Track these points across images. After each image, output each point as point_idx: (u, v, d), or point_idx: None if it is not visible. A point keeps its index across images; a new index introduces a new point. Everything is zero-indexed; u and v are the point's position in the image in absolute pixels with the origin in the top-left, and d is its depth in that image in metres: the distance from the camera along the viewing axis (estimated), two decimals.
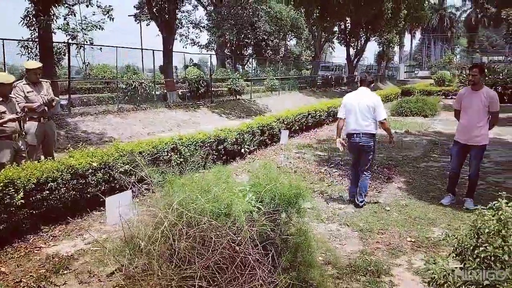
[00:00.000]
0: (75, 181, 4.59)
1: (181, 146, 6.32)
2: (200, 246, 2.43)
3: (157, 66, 23.18)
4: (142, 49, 16.37)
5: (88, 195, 4.81)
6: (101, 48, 15.06)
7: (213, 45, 39.17)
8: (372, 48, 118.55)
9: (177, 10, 16.57)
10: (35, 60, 10.29)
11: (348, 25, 32.45)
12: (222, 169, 3.20)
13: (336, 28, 33.35)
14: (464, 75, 27.04)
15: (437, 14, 73.24)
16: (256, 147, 8.56)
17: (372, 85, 5.40)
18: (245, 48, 39.55)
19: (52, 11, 10.78)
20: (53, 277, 3.40)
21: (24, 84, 5.22)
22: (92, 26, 21.38)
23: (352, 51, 34.01)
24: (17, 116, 4.78)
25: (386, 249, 3.80)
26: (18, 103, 5.03)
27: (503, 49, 77.85)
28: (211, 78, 17.82)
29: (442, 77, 31.60)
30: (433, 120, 14.28)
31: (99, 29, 21.45)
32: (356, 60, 34.46)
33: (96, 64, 22.56)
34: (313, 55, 40.26)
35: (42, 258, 3.74)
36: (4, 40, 9.77)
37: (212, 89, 17.43)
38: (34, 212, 4.19)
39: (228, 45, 36.00)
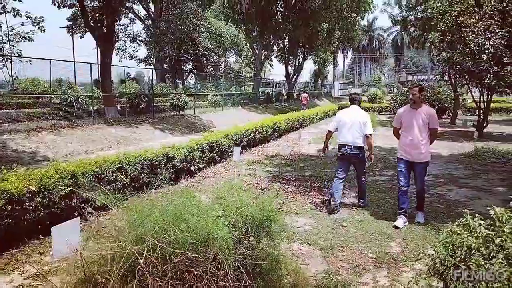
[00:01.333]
0: (10, 207, 4.08)
1: (128, 166, 5.95)
2: (177, 283, 2.19)
3: (94, 80, 22.00)
4: (77, 62, 15.47)
5: (25, 222, 4.30)
6: (30, 61, 14.05)
7: (151, 59, 38.39)
8: (307, 67, 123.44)
9: (115, 23, 15.93)
10: None
11: (287, 44, 33.48)
12: (187, 191, 2.99)
13: (275, 47, 34.26)
14: (394, 93, 28.98)
15: (367, 35, 78.20)
16: (205, 164, 8.34)
17: (360, 104, 5.95)
18: (184, 63, 39.19)
19: None
20: None
21: None
22: (20, 37, 19.99)
23: (290, 69, 35.05)
24: None
25: (349, 267, 3.78)
26: None
27: (425, 69, 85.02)
28: (152, 92, 17.28)
29: (374, 95, 33.60)
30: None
31: (29, 40, 20.11)
32: (294, 77, 35.52)
33: (24, 78, 21.02)
34: (253, 72, 40.97)
35: None
36: None
37: (154, 104, 16.89)
38: None
39: (167, 59, 35.43)
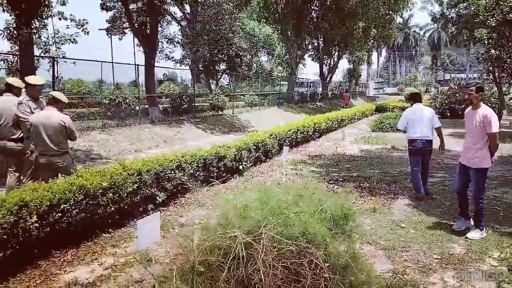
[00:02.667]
0: (85, 202, 4.36)
1: (185, 164, 6.18)
2: (287, 275, 2.28)
3: (130, 81, 22.63)
4: (122, 63, 16.02)
5: (97, 217, 4.58)
6: (74, 62, 14.65)
7: (187, 60, 39.14)
8: (340, 66, 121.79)
9: (158, 25, 16.41)
10: (16, 75, 9.90)
11: (321, 43, 33.28)
12: (265, 187, 3.12)
13: (310, 46, 34.11)
14: (434, 92, 28.12)
15: (402, 32, 76.41)
16: (252, 163, 8.50)
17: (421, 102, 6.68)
18: (218, 64, 39.66)
19: (33, 24, 10.42)
20: None
21: (28, 100, 4.98)
22: (65, 40, 20.87)
23: (325, 68, 34.82)
24: None
25: (415, 267, 3.81)
26: (25, 121, 4.80)
27: (463, 67, 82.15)
28: (194, 93, 17.68)
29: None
30: None
31: (73, 42, 20.92)
32: (329, 76, 35.26)
33: (67, 78, 21.95)
34: (286, 71, 40.95)
35: (61, 286, 3.50)
36: None
37: (195, 104, 17.29)
38: (45, 236, 3.94)
39: (201, 60, 35.97)
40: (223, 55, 36.19)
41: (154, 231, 3.36)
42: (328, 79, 35.42)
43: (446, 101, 23.01)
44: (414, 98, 6.73)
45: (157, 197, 5.61)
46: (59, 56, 18.02)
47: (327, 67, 34.70)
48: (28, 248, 3.78)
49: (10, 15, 10.14)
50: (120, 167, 5.09)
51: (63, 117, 4.74)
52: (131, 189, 4.96)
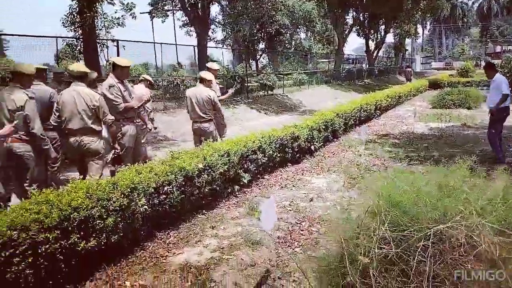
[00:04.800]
0: (185, 183, 4.30)
1: (265, 145, 6.03)
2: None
3: (173, 61, 22.79)
4: (180, 45, 16.00)
5: (193, 198, 4.53)
6: (124, 46, 14.72)
7: (228, 40, 38.93)
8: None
9: (210, 5, 16.22)
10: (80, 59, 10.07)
11: (367, 17, 31.93)
12: (402, 172, 2.86)
13: (351, 21, 32.81)
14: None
15: (449, 3, 72.10)
16: (321, 144, 8.25)
17: None
18: (257, 43, 39.14)
19: (95, 8, 10.50)
20: None
21: (117, 83, 4.94)
22: (114, 23, 21.15)
23: (371, 43, 33.53)
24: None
25: None
26: (117, 104, 4.79)
27: None
28: (246, 73, 17.50)
29: (466, 68, 31.00)
30: (479, 112, 13.79)
31: (121, 26, 21.15)
32: (375, 52, 33.96)
33: None
34: (328, 49, 39.86)
35: (176, 269, 3.45)
36: (58, 38, 9.45)
37: (247, 84, 17.10)
38: (148, 218, 3.91)
39: (242, 40, 35.59)
40: (263, 34, 35.72)
41: (271, 214, 3.21)
42: (375, 55, 34.11)
43: (508, 74, 21.49)
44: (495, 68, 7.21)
45: (242, 178, 5.51)
46: (107, 39, 18.29)
47: (374, 42, 33.37)
48: (135, 231, 3.77)
49: (73, 0, 10.24)
50: (210, 148, 5.00)
51: (209, 92, 6.04)
52: (222, 170, 4.87)
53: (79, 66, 4.78)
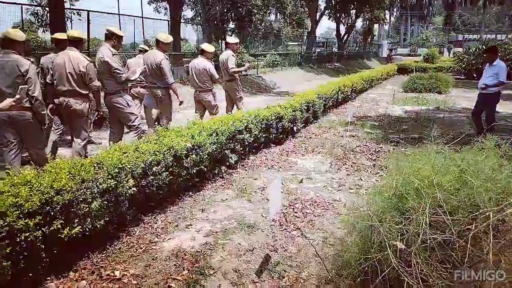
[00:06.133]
0: (173, 164, 4.00)
1: (251, 125, 5.78)
2: None
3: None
4: (155, 18, 15.24)
5: (181, 180, 4.23)
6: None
7: (198, 19, 37.79)
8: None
9: None
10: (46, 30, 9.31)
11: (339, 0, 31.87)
12: (419, 152, 2.70)
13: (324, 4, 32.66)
14: (460, 52, 26.88)
15: None
16: (303, 124, 8.10)
17: None
18: (227, 23, 38.29)
19: None
20: (203, 280, 2.88)
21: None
22: None
23: (342, 28, 33.62)
24: None
25: None
26: (121, 73, 5.02)
27: (475, 28, 79.65)
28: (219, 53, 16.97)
29: (432, 55, 31.77)
30: (449, 96, 14.10)
31: None
32: (346, 36, 34.09)
33: None
34: (298, 31, 39.58)
35: (168, 256, 3.19)
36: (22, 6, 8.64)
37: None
38: (135, 201, 3.61)
39: (212, 19, 34.66)
40: (234, 13, 34.93)
41: (277, 197, 3.00)
42: (345, 39, 34.24)
43: (473, 61, 22.16)
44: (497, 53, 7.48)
45: (229, 159, 5.25)
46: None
47: (345, 27, 33.45)
48: (121, 216, 3.45)
49: None
50: (197, 126, 4.70)
51: (206, 63, 6.56)
52: (210, 150, 4.58)
53: (74, 32, 4.95)
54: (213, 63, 6.83)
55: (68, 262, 2.97)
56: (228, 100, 7.68)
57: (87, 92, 4.82)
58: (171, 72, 5.85)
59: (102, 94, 5.19)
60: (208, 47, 6.75)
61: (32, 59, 4.21)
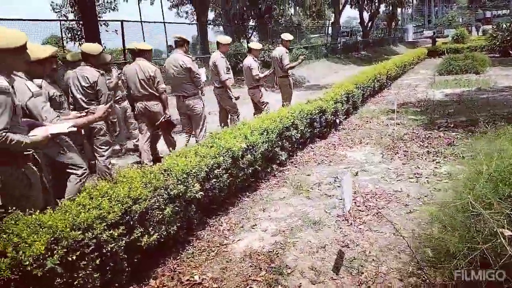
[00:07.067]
0: (232, 165, 4.00)
1: (297, 120, 5.71)
2: None
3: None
4: (180, 23, 15.41)
5: (239, 180, 4.23)
6: (116, 31, 14.08)
7: (219, 19, 37.95)
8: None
9: None
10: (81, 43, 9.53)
11: None
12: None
13: None
14: (493, 29, 25.75)
15: None
16: (345, 116, 7.97)
17: None
18: (247, 21, 38.25)
19: None
20: (283, 280, 2.85)
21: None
22: (106, 8, 20.50)
23: (365, 15, 32.94)
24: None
25: None
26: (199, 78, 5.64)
27: (502, 2, 76.36)
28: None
29: (462, 34, 30.65)
30: (487, 76, 13.54)
31: (113, 10, 20.54)
32: (370, 23, 33.41)
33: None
34: (319, 24, 39.08)
35: (242, 257, 3.19)
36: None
37: None
38: (201, 204, 3.62)
39: (233, 19, 34.77)
40: (254, 11, 34.86)
41: (348, 192, 2.94)
42: (369, 26, 33.56)
43: (508, 38, 21.20)
44: None
45: (280, 156, 5.22)
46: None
47: (368, 13, 32.76)
48: (189, 220, 3.48)
49: None
50: (247, 126, 4.69)
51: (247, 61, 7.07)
52: (262, 149, 4.56)
53: (140, 44, 5.58)
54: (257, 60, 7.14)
55: (147, 270, 3.01)
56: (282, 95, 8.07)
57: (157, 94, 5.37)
58: (225, 69, 6.23)
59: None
60: (256, 45, 7.13)
61: (101, 71, 4.57)
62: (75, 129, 2.65)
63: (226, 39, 6.56)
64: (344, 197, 2.80)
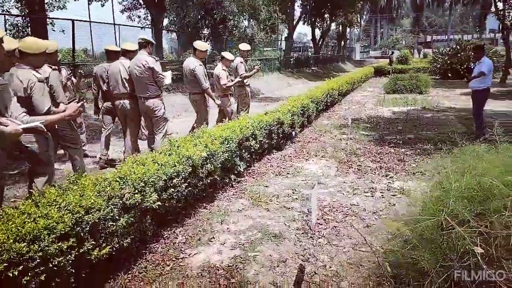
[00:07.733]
0: (191, 175, 3.84)
1: (257, 131, 5.66)
2: None
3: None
4: (134, 26, 14.90)
5: (196, 191, 4.07)
6: (63, 31, 13.42)
7: (173, 26, 37.39)
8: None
9: None
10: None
11: (313, 4, 32.23)
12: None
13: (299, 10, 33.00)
14: (436, 52, 27.43)
15: None
16: (300, 129, 8.04)
17: None
18: (201, 30, 38.06)
19: None
20: None
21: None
22: (53, 6, 19.56)
23: (317, 32, 34.02)
24: None
25: None
26: (162, 79, 5.56)
27: (441, 29, 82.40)
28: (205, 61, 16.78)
29: (405, 56, 32.55)
30: (430, 96, 14.41)
31: (61, 9, 19.77)
32: (321, 40, 34.53)
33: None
34: (272, 37, 39.78)
35: (199, 272, 3.03)
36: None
37: None
38: (156, 215, 3.42)
39: (186, 27, 34.42)
40: (209, 20, 34.77)
41: (314, 206, 2.90)
42: (320, 43, 34.67)
43: (448, 62, 22.75)
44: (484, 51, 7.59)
45: (238, 167, 5.12)
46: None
47: (320, 31, 33.86)
48: (142, 232, 3.27)
49: None
50: (207, 134, 4.55)
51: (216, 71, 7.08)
52: (223, 159, 4.44)
53: (126, 44, 5.73)
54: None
55: (95, 286, 2.77)
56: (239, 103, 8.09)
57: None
58: (205, 76, 6.28)
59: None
60: (228, 55, 7.14)
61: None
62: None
63: (204, 45, 6.53)
64: (312, 211, 2.75)
